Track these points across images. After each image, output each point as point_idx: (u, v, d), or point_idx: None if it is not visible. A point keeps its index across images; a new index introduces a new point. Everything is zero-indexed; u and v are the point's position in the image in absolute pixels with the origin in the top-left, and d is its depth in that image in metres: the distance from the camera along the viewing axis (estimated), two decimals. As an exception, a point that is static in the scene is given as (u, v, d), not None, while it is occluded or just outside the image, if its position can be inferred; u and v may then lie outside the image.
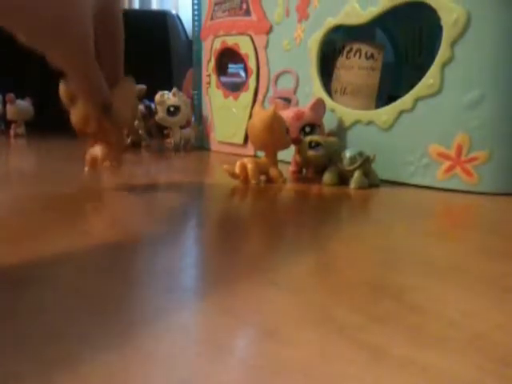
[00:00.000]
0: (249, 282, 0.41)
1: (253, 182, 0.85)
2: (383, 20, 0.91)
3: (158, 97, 1.30)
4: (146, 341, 0.30)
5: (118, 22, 0.64)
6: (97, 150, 0.77)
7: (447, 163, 0.83)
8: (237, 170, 0.85)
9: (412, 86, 0.85)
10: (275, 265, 0.46)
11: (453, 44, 0.80)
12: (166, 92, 1.32)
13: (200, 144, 1.39)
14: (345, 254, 0.49)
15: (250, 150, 1.19)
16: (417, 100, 0.85)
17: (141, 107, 1.43)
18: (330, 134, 0.96)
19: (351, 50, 0.99)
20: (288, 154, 0.96)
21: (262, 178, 0.88)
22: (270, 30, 1.15)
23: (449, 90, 0.82)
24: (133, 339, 0.30)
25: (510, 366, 0.28)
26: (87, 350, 0.29)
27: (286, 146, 0.88)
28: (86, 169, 0.80)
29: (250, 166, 0.85)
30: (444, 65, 0.81)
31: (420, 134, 0.85)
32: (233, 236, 0.55)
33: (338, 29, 0.99)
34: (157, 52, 1.87)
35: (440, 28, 0.81)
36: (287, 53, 1.11)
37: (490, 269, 0.45)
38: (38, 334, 0.31)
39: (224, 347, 0.30)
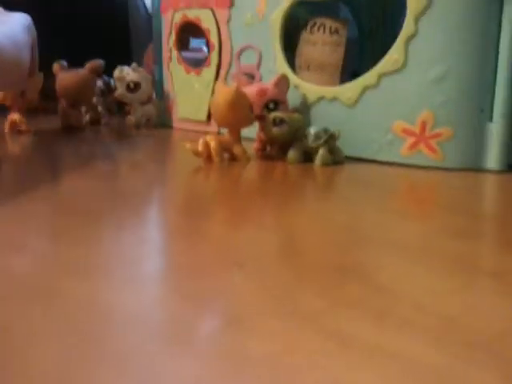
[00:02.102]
0: (212, 267, 0.39)
1: (216, 160, 0.83)
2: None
3: (116, 72, 1.26)
4: (104, 334, 0.29)
5: (35, 41, 1.11)
6: (15, 116, 1.17)
7: (411, 139, 0.82)
8: (199, 147, 0.83)
9: (377, 62, 0.84)
10: (240, 247, 0.45)
11: (417, 19, 0.79)
12: (125, 67, 1.27)
13: (162, 121, 1.35)
14: (310, 233, 0.48)
15: (213, 127, 1.17)
16: (381, 76, 0.84)
17: (99, 83, 1.38)
18: (295, 110, 0.94)
19: (315, 24, 0.97)
20: (252, 131, 0.95)
21: (226, 155, 0.86)
22: (232, 4, 1.12)
23: (413, 66, 0.81)
24: (91, 333, 0.29)
25: (480, 350, 0.28)
26: (40, 345, 0.27)
27: (249, 123, 0.87)
28: (6, 130, 1.14)
29: (212, 144, 0.83)
30: (408, 40, 0.80)
31: (384, 111, 0.85)
32: (196, 218, 0.54)
33: (302, 3, 0.97)
34: (116, 26, 1.81)
35: (404, 3, 0.80)
36: (250, 27, 1.08)
37: (457, 248, 0.45)
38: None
39: (185, 339, 0.28)
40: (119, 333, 0.29)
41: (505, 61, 0.77)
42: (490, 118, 0.79)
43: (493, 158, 0.79)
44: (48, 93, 1.28)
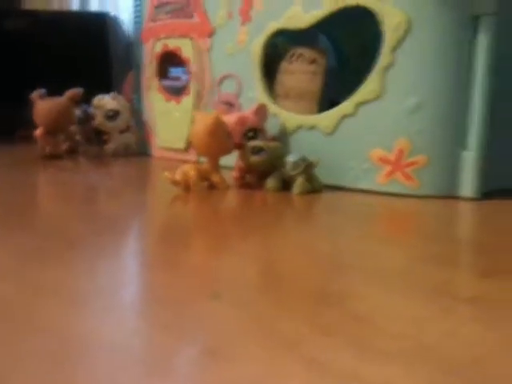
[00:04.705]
0: (191, 297, 0.39)
1: (194, 188, 0.83)
2: (326, 25, 0.91)
3: (95, 101, 1.26)
4: (80, 363, 0.28)
5: None
6: None
7: (387, 168, 0.83)
8: (178, 176, 0.82)
9: (354, 91, 0.86)
10: (219, 276, 0.44)
11: (394, 49, 0.81)
12: (104, 96, 1.27)
13: (141, 150, 1.35)
14: (290, 261, 0.48)
15: (192, 155, 1.17)
16: (358, 105, 0.85)
17: (78, 112, 1.38)
18: (274, 138, 0.95)
19: (294, 54, 0.98)
20: (231, 160, 0.95)
21: (205, 184, 0.86)
22: (212, 33, 1.13)
23: (390, 95, 0.82)
24: (68, 361, 0.28)
25: (456, 378, 0.27)
26: (15, 369, 0.26)
27: (228, 152, 0.87)
28: None
29: (191, 173, 0.83)
30: (385, 70, 0.82)
31: (362, 139, 0.86)
32: (174, 247, 0.53)
33: (281, 33, 0.99)
34: (95, 55, 1.82)
35: (382, 34, 0.82)
36: (231, 56, 1.09)
37: (435, 275, 0.45)
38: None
39: (163, 369, 0.28)
40: (95, 361, 0.28)
41: (479, 90, 0.79)
42: (465, 147, 0.81)
43: (467, 185, 0.80)
44: (26, 121, 1.28)
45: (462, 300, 0.40)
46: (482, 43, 0.78)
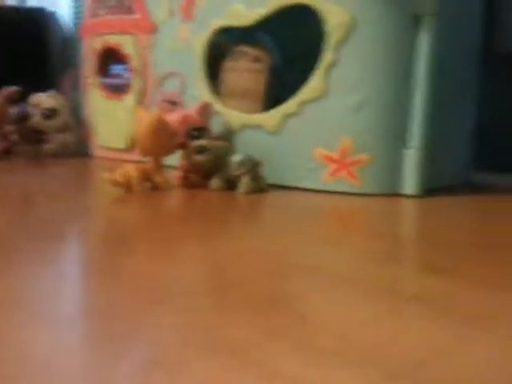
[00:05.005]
0: (132, 305, 0.37)
1: (136, 189, 0.80)
2: (271, 24, 0.91)
3: (32, 99, 1.21)
4: (14, 374, 0.26)
5: None
6: None
7: (333, 166, 0.84)
8: (119, 177, 0.79)
9: (299, 90, 0.85)
10: (162, 282, 0.42)
11: (336, 48, 0.81)
12: (41, 94, 1.22)
13: (80, 149, 1.30)
14: (236, 264, 0.47)
15: (134, 155, 1.13)
16: (302, 104, 0.85)
17: (14, 111, 1.32)
18: (218, 138, 0.94)
19: (238, 52, 0.97)
20: (175, 159, 0.93)
21: (147, 185, 0.84)
22: (154, 30, 1.10)
23: (334, 94, 0.82)
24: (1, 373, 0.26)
25: (402, 380, 0.27)
26: None
27: (171, 151, 0.85)
28: None
29: (132, 174, 0.80)
30: (328, 68, 0.82)
31: (306, 138, 0.85)
32: (115, 252, 0.51)
33: (226, 31, 0.97)
34: (33, 52, 1.74)
35: (326, 31, 0.82)
36: (173, 54, 1.07)
37: (380, 274, 0.45)
38: None
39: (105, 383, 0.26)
40: (31, 374, 0.26)
41: (420, 89, 0.80)
42: (407, 145, 0.82)
43: (410, 183, 0.81)
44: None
45: (407, 299, 0.40)
46: (424, 42, 0.79)
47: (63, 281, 0.43)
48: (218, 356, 0.29)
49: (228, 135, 0.94)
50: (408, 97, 0.81)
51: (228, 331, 0.32)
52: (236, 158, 0.83)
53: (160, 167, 0.84)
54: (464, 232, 0.63)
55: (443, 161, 0.85)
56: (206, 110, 0.92)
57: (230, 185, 0.84)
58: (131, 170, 0.80)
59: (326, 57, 0.82)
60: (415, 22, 0.79)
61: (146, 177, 0.83)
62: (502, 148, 1.08)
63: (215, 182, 0.84)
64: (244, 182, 0.82)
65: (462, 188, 0.95)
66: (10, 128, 1.29)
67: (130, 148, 1.15)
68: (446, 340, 0.32)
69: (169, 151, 0.84)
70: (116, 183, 0.79)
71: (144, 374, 0.27)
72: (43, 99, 1.21)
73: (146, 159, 0.86)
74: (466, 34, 0.89)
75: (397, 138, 0.82)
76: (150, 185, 0.84)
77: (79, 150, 1.29)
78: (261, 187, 0.84)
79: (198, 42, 0.99)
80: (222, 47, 1.02)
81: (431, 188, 0.83)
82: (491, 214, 0.75)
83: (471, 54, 0.92)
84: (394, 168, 0.82)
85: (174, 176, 0.90)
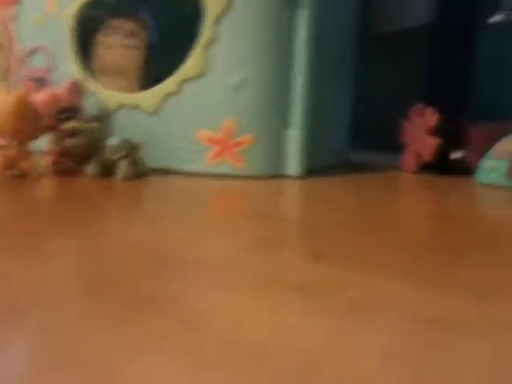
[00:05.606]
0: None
1: (0, 178, 0.72)
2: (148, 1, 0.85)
3: None
4: None
5: None
6: None
7: (216, 148, 0.81)
8: (-24, 165, 0.71)
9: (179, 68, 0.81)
10: (23, 287, 0.37)
11: (215, 24, 0.77)
12: None
13: None
14: (112, 261, 0.43)
15: None
16: (182, 83, 0.81)
17: None
18: (93, 119, 0.87)
19: (111, 26, 0.91)
20: (45, 143, 0.85)
21: (13, 172, 0.76)
22: (17, 1, 1.00)
23: (213, 73, 0.79)
24: None
25: (289, 379, 0.25)
26: None
27: (37, 135, 0.77)
28: None
29: (-7, 160, 0.72)
30: (207, 46, 0.78)
31: (188, 119, 0.82)
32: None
33: (97, 3, 0.90)
34: None
35: (203, 7, 0.78)
36: (40, 28, 0.98)
37: (264, 263, 0.43)
38: None
39: None
40: None
41: (300, 69, 0.79)
42: (290, 126, 0.81)
43: (293, 164, 0.81)
44: None
45: (291, 288, 0.38)
46: (301, 22, 0.78)
47: None
48: (78, 374, 0.25)
49: (103, 116, 0.87)
50: (289, 75, 0.80)
51: (94, 342, 0.29)
52: (113, 142, 0.78)
53: (26, 152, 0.77)
54: (345, 213, 0.64)
55: (323, 141, 0.86)
56: (76, 89, 0.85)
57: (107, 171, 0.78)
58: (-8, 157, 0.72)
59: (205, 33, 0.78)
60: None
61: (10, 163, 0.75)
62: (377, 127, 1.12)
63: (90, 168, 0.78)
64: (122, 168, 0.77)
65: (341, 167, 0.97)
66: None
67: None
68: (333, 335, 0.31)
69: (35, 135, 0.77)
70: (-26, 172, 0.71)
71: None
72: None
73: (10, 144, 0.77)
74: (343, 12, 0.90)
75: (279, 118, 0.81)
76: (17, 172, 0.76)
77: None
78: (140, 172, 0.79)
79: (66, 14, 0.91)
80: (93, 21, 0.94)
81: (312, 168, 0.83)
82: (370, 193, 0.77)
83: (348, 34, 0.94)
84: (277, 149, 0.81)
85: (45, 162, 0.83)
